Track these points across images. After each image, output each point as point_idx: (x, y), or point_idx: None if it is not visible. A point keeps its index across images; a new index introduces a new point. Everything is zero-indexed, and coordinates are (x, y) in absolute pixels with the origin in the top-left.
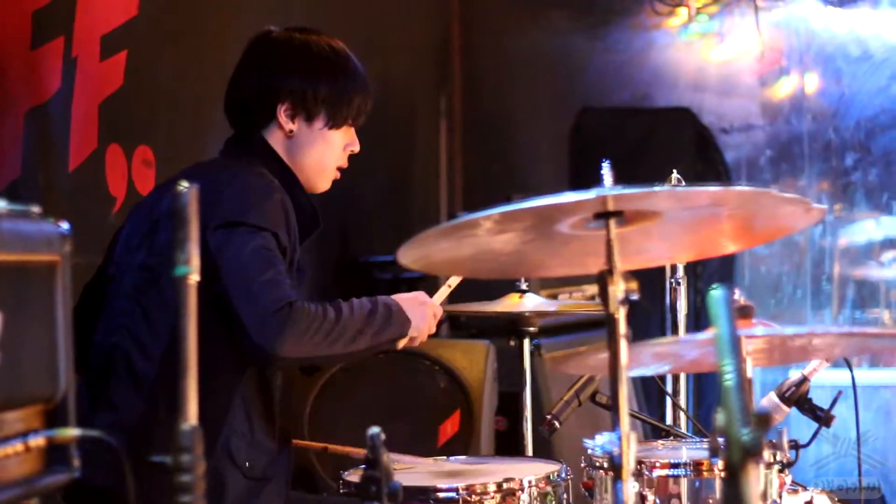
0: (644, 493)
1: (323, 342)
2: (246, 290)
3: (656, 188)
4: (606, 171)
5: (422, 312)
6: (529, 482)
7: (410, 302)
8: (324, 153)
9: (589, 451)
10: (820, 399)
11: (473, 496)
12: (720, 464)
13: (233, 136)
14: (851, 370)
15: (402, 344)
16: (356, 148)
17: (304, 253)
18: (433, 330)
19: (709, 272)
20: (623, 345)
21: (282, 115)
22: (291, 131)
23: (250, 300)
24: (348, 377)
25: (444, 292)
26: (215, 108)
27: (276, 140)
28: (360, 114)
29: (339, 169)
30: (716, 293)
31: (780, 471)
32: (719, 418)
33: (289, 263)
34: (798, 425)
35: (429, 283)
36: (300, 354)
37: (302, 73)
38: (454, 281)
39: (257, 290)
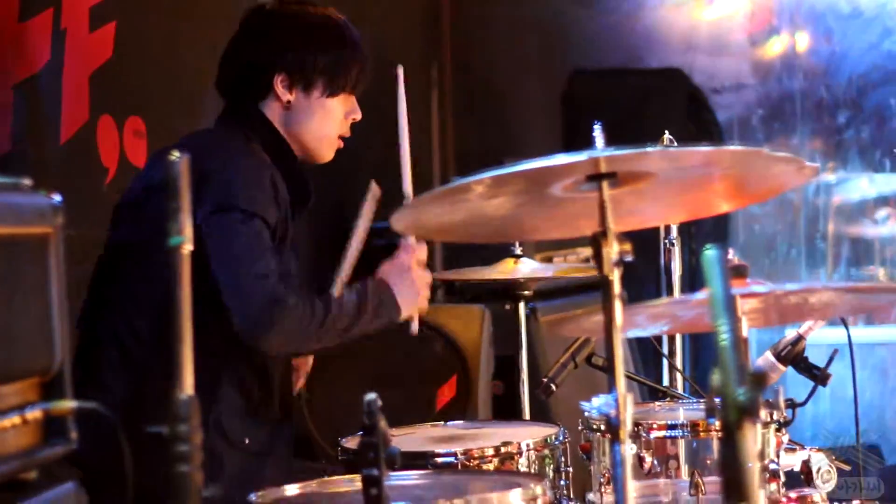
0: (641, 454)
1: (310, 339)
2: (235, 282)
3: (648, 149)
4: (598, 132)
5: (410, 286)
6: (527, 446)
7: (397, 278)
8: (323, 122)
9: (586, 414)
10: (816, 357)
11: (471, 460)
12: (717, 424)
13: (227, 106)
14: (847, 328)
15: (403, 316)
16: (358, 116)
17: (299, 221)
18: (427, 295)
19: (703, 232)
20: (618, 306)
21: (279, 85)
22: (289, 102)
23: (239, 294)
24: (341, 345)
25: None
26: (206, 77)
27: (273, 111)
28: (358, 82)
29: (342, 138)
30: (710, 253)
31: (777, 430)
32: (715, 378)
33: (280, 240)
34: (794, 384)
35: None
36: (287, 350)
37: (298, 44)
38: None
39: (246, 284)
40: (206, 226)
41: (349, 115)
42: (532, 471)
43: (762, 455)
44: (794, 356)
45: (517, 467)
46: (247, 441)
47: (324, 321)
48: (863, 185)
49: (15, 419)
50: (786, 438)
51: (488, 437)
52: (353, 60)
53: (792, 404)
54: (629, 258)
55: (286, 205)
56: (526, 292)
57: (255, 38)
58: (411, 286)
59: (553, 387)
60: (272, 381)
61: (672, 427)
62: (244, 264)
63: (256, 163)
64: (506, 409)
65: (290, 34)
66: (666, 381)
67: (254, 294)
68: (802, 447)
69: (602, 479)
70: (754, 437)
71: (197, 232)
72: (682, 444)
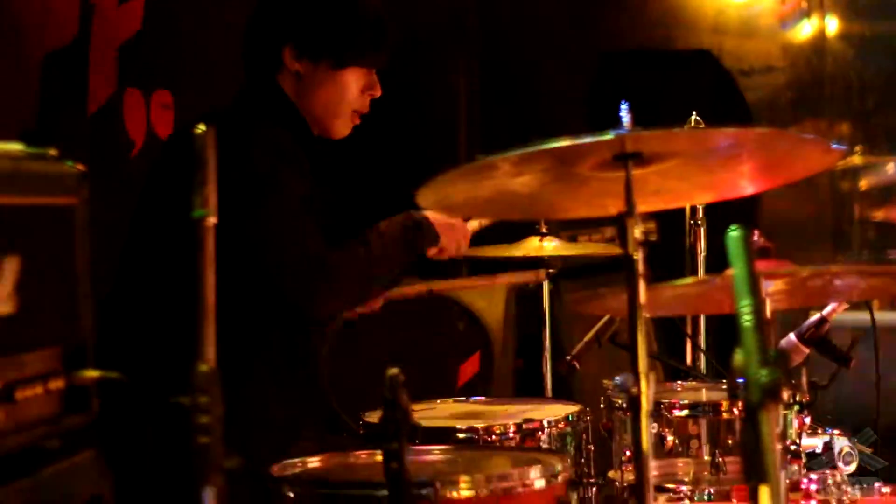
0: (663, 433)
1: (359, 287)
2: (277, 252)
3: (675, 129)
4: (625, 112)
5: (451, 228)
6: (549, 423)
7: (442, 220)
8: (334, 95)
9: (608, 392)
10: (840, 340)
11: (493, 437)
12: (739, 404)
13: (247, 79)
14: (871, 312)
15: (432, 251)
16: (377, 92)
17: (324, 198)
18: (463, 248)
19: (728, 214)
20: (641, 286)
21: (287, 56)
22: (298, 73)
23: (283, 264)
24: (368, 319)
25: (473, 224)
26: (234, 51)
27: (286, 83)
28: (370, 55)
29: (361, 114)
30: (734, 233)
31: (800, 411)
32: (738, 359)
33: (308, 212)
34: (818, 366)
35: None
36: (340, 306)
37: (304, 14)
38: (486, 221)
39: (289, 252)
40: (233, 201)
41: (366, 91)
42: (553, 448)
43: (784, 436)
44: (817, 338)
45: (538, 444)
46: (276, 416)
47: (368, 264)
48: (890, 169)
49: (37, 388)
50: (808, 420)
51: (510, 414)
52: (360, 32)
53: (814, 386)
54: (653, 238)
55: (309, 178)
56: (550, 270)
57: (266, 9)
58: (451, 230)
59: (576, 365)
60: (301, 357)
61: (694, 407)
62: (282, 234)
63: (280, 137)
64: (528, 387)
65: (297, 4)
66: (689, 362)
67: (297, 260)
68: (824, 429)
69: (623, 458)
70: (776, 419)
71: (224, 208)
72: (703, 423)
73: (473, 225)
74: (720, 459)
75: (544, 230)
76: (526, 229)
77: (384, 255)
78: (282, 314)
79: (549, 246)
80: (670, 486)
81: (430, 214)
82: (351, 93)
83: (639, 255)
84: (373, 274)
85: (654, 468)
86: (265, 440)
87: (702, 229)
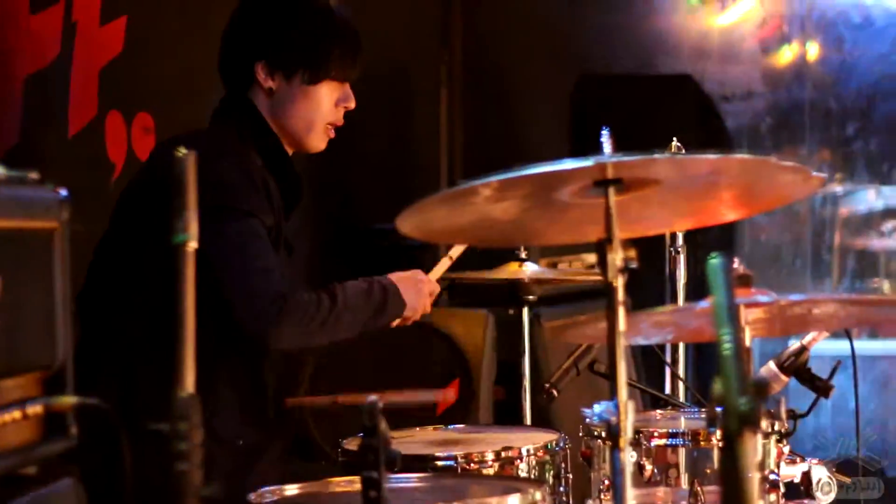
0: (642, 462)
1: (317, 332)
2: (239, 280)
3: (656, 156)
4: (606, 138)
5: (417, 291)
6: (528, 451)
7: (407, 281)
8: (308, 110)
9: (587, 420)
10: (819, 369)
11: (472, 464)
12: (718, 433)
13: (222, 100)
14: (851, 340)
15: (395, 322)
16: (351, 104)
17: (303, 220)
18: (428, 309)
19: (708, 241)
20: (621, 313)
21: (259, 72)
22: (271, 89)
23: (244, 292)
24: (346, 346)
25: (444, 264)
26: (215, 74)
27: (259, 100)
28: (343, 68)
29: (338, 129)
30: (715, 261)
31: (779, 441)
32: (717, 387)
33: (274, 243)
34: (797, 395)
35: (430, 253)
36: (294, 345)
37: (276, 30)
38: (456, 252)
39: (250, 281)
40: (202, 227)
41: (340, 104)
42: (532, 476)
43: (762, 466)
44: (797, 367)
45: (517, 472)
46: (240, 442)
47: (329, 315)
48: (870, 196)
49: (15, 414)
50: (787, 449)
51: (489, 442)
52: (334, 46)
53: (793, 415)
54: (634, 265)
55: (279, 208)
56: (530, 297)
57: (239, 25)
58: (418, 294)
59: (555, 392)
60: (266, 381)
61: (673, 435)
62: (247, 261)
63: (249, 166)
64: (507, 415)
65: (268, 20)
66: (668, 390)
67: (259, 289)
68: (803, 459)
69: (602, 487)
70: (755, 448)
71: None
72: (682, 452)
73: (445, 263)
74: (699, 488)
75: (524, 256)
76: (505, 255)
77: (346, 316)
78: (242, 341)
79: (529, 272)
80: None
81: (395, 276)
82: (325, 106)
83: (619, 283)
84: (331, 327)
85: (632, 497)
86: (223, 463)
87: (681, 256)
